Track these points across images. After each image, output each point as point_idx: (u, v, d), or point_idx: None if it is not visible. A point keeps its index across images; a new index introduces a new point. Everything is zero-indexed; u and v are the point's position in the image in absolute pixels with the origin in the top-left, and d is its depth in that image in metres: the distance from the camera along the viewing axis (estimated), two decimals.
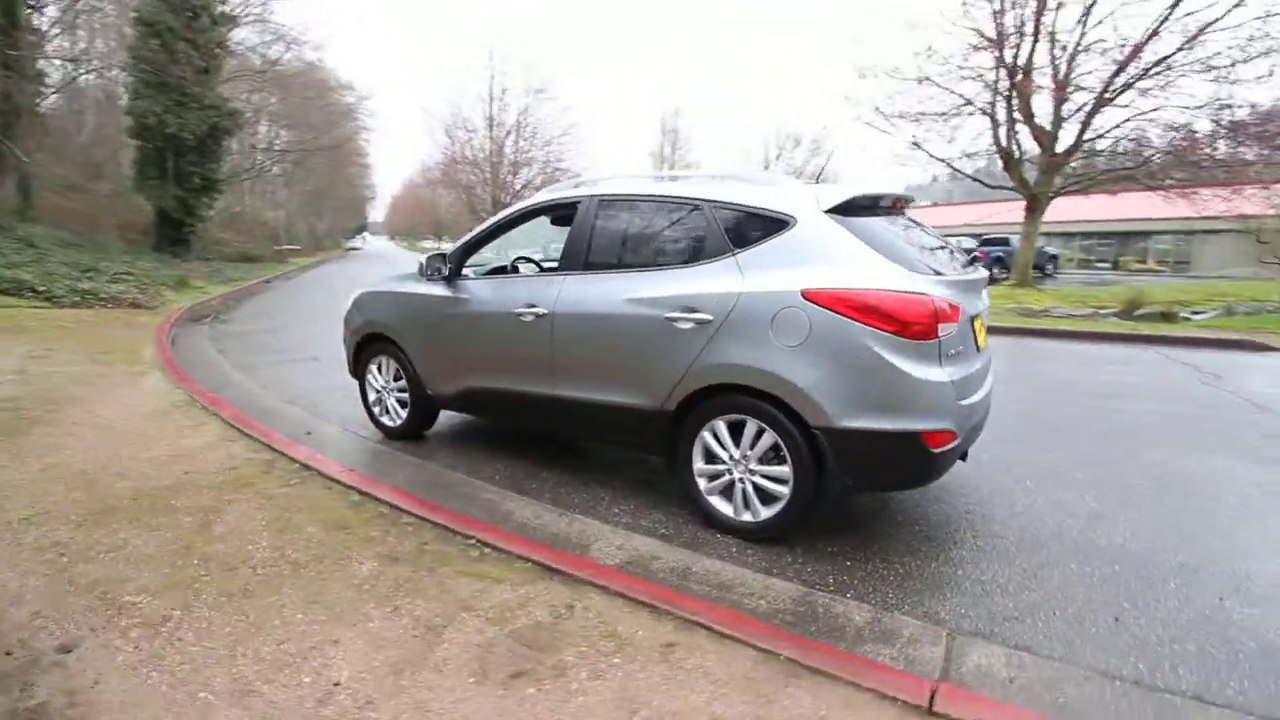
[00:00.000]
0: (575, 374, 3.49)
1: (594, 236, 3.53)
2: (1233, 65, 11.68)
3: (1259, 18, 11.44)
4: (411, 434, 4.50)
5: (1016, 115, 14.91)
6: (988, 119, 15.15)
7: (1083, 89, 13.74)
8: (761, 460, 2.97)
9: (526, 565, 2.68)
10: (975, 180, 16.73)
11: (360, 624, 2.25)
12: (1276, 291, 13.15)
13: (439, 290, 4.08)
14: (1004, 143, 15.03)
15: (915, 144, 15.26)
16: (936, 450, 2.72)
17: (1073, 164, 14.34)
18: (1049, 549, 3.00)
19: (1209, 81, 12.21)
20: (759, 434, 2.95)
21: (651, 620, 2.30)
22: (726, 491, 3.11)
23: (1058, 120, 14.22)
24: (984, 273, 3.20)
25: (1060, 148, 14.10)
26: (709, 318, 2.99)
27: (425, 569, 2.63)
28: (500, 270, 4.47)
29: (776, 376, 2.82)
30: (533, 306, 3.59)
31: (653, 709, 1.85)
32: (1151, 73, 12.72)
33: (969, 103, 15.03)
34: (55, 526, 2.96)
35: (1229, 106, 12.16)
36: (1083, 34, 13.69)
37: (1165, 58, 12.55)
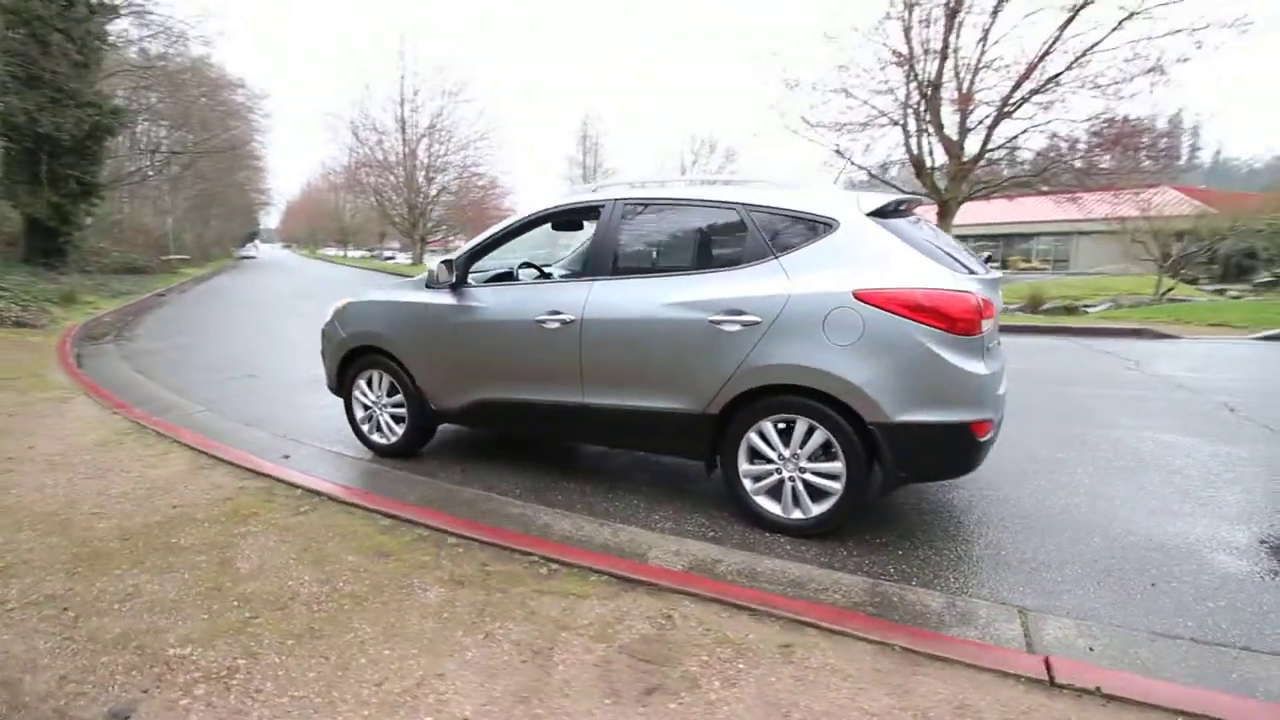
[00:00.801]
0: (607, 381, 3.42)
1: (621, 240, 3.48)
2: (1115, 84, 13.12)
3: (1132, 41, 12.91)
4: (407, 451, 4.25)
5: (926, 127, 15.99)
6: (900, 130, 16.14)
7: (984, 104, 14.94)
8: (812, 458, 3.03)
9: (603, 579, 2.60)
10: (892, 186, 17.77)
11: (457, 654, 2.10)
12: (1150, 285, 14.84)
13: (444, 299, 3.89)
14: (915, 151, 16.07)
15: (839, 152, 16.10)
16: (982, 439, 2.88)
17: (978, 171, 15.54)
18: (1069, 526, 3.24)
19: (1094, 98, 13.65)
20: (809, 432, 3.01)
21: (754, 623, 2.29)
22: (774, 491, 3.15)
23: (963, 131, 15.37)
24: (999, 273, 3.42)
25: (967, 157, 15.25)
26: (757, 320, 3.02)
27: (498, 590, 2.50)
28: (503, 277, 4.30)
29: (831, 375, 2.89)
30: (557, 313, 3.49)
31: (803, 711, 1.84)
32: (1045, 89, 14.04)
33: (884, 114, 15.96)
34: (42, 578, 2.57)
35: (1112, 120, 13.63)
36: (982, 53, 14.89)
37: (1055, 76, 13.89)
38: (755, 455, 3.16)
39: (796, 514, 3.11)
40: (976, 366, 2.83)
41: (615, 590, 2.51)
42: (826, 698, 1.90)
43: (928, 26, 14.90)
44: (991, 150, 15.11)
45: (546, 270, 4.59)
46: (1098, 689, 1.94)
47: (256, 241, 70.24)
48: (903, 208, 3.38)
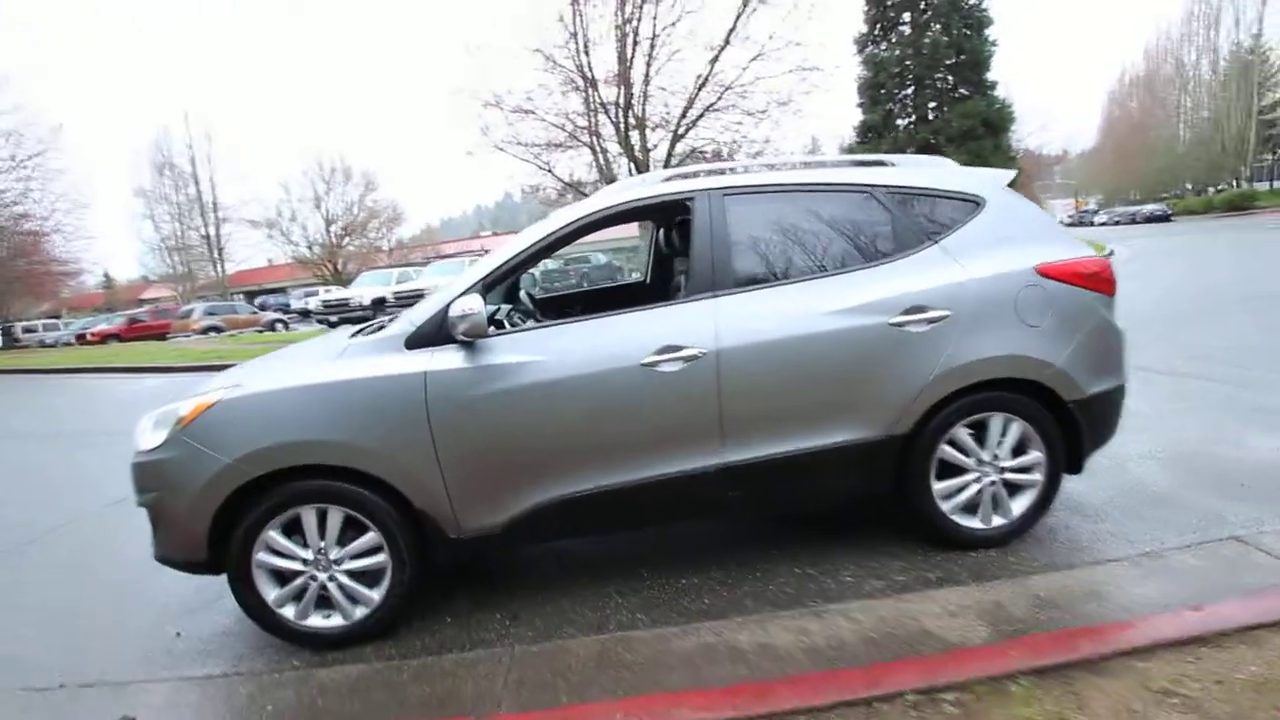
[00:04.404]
0: (759, 426, 2.57)
1: (734, 242, 2.66)
2: (761, 111, 15.98)
3: (760, 78, 15.93)
4: (389, 626, 2.59)
5: (605, 145, 17.14)
6: (588, 149, 16.98)
7: (658, 126, 16.69)
8: (1013, 453, 2.75)
9: (1025, 684, 1.88)
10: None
11: None
12: None
13: (453, 362, 2.45)
14: (606, 168, 17.08)
15: (546, 168, 16.12)
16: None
17: None
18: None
19: (740, 124, 16.43)
20: (1004, 427, 2.72)
21: (1244, 644, 1.91)
22: (970, 504, 2.77)
23: (644, 150, 16.91)
24: None
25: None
26: (946, 313, 2.60)
27: None
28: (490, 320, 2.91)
29: (1034, 360, 2.64)
30: (676, 349, 2.49)
31: None
32: (704, 115, 16.34)
33: (573, 135, 16.57)
34: None
35: (759, 142, 16.60)
36: (646, 83, 16.60)
37: (710, 105, 16.29)
38: (948, 469, 2.73)
39: (999, 521, 2.79)
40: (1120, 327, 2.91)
41: (1058, 684, 1.84)
42: None
43: (590, 52, 15.92)
44: (675, 165, 16.96)
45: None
46: None
47: None
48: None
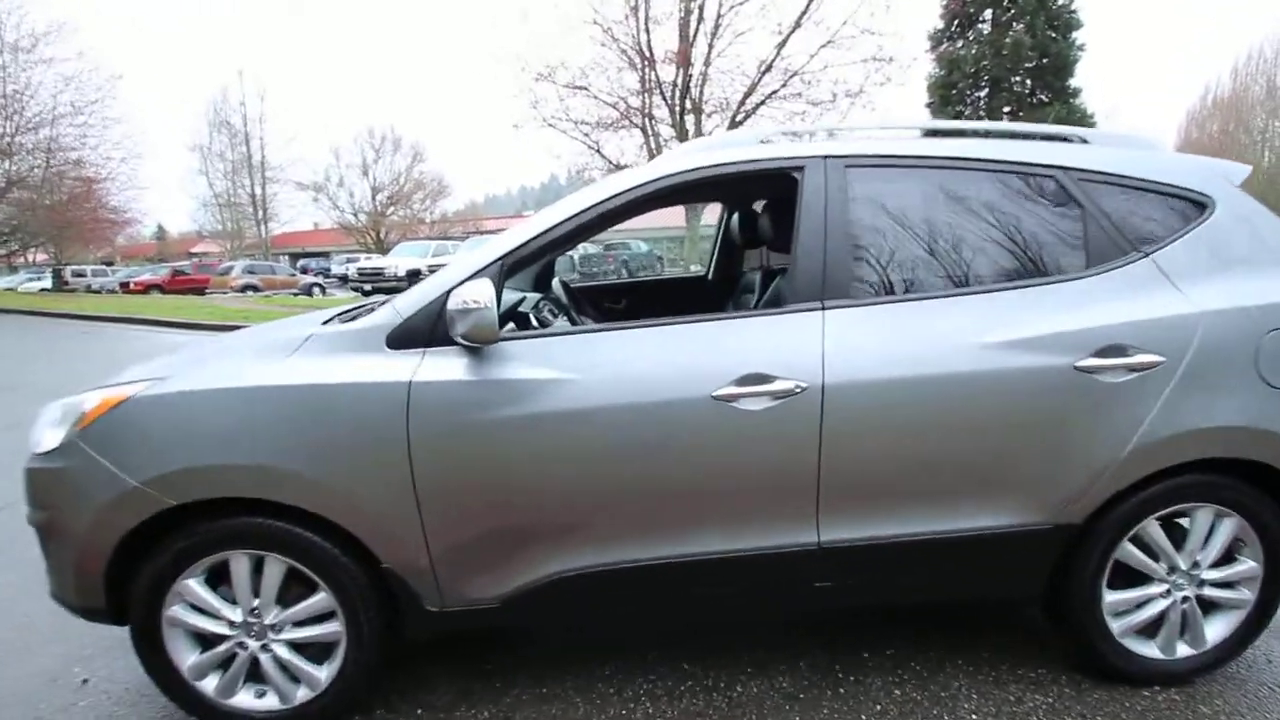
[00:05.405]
0: (873, 497, 1.83)
1: (857, 233, 1.90)
2: (825, 102, 15.00)
3: (829, 66, 14.92)
4: (338, 716, 1.93)
5: (658, 129, 16.35)
6: (640, 130, 16.22)
7: (717, 111, 15.83)
8: (1216, 564, 1.95)
9: None
10: None
11: None
12: None
13: (449, 371, 1.75)
14: (656, 152, 16.29)
15: (595, 148, 15.43)
16: None
17: None
18: None
19: (801, 114, 15.43)
20: (1212, 526, 1.92)
21: None
22: (1149, 627, 1.98)
23: (699, 135, 16.06)
24: None
25: None
26: (1158, 359, 1.80)
27: None
28: (511, 315, 2.20)
29: (1276, 436, 1.84)
30: (764, 380, 1.75)
31: None
32: (766, 102, 15.40)
33: (625, 115, 15.82)
34: None
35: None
36: (706, 66, 15.73)
37: (774, 92, 15.34)
38: (1128, 576, 1.95)
39: (1185, 650, 1.99)
40: None
41: None
42: None
43: (657, 28, 15.11)
44: None
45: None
46: None
47: None
48: None
